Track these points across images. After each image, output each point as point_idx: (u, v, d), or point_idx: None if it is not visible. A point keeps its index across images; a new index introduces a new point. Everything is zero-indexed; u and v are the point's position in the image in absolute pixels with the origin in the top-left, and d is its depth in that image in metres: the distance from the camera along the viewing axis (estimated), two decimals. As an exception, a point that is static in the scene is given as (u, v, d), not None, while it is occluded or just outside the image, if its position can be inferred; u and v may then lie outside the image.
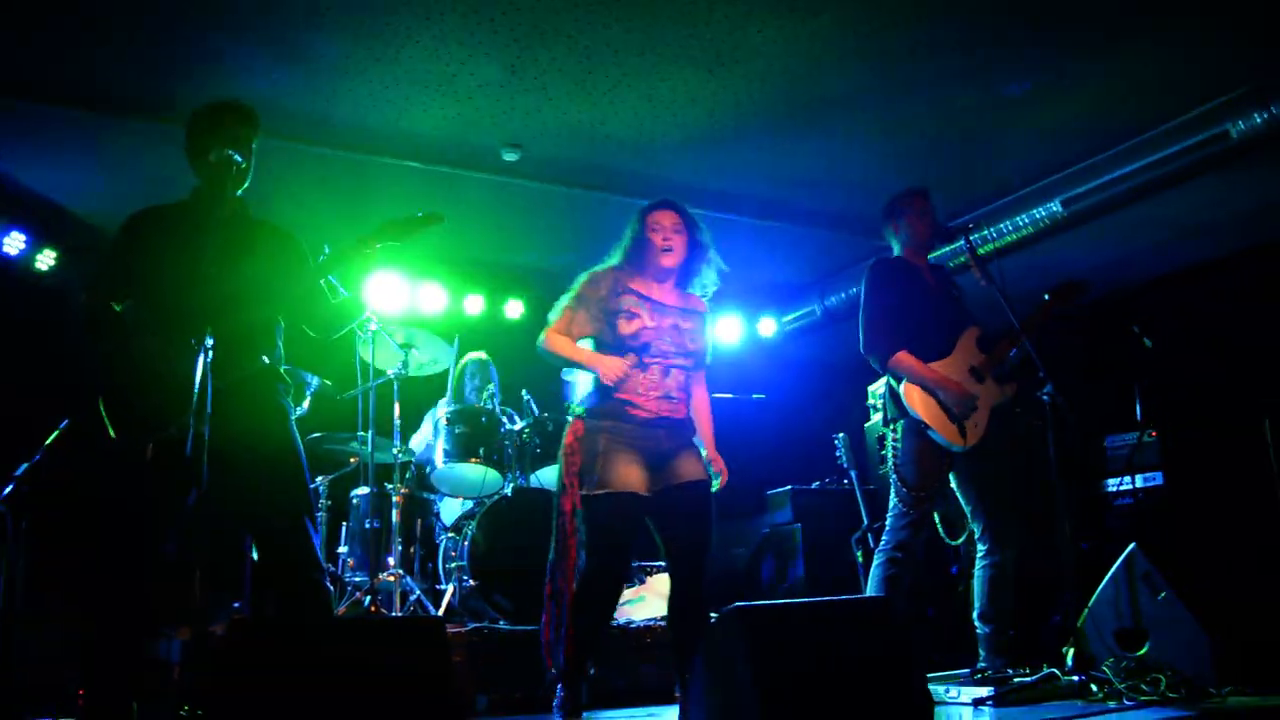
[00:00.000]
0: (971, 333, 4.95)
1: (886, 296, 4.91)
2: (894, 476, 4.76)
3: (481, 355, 6.98)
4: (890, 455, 4.82)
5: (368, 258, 3.79)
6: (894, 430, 4.82)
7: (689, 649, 4.07)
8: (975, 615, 4.81)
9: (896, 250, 5.15)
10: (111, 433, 3.54)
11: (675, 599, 4.18)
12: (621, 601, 5.92)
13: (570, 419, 4.18)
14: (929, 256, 5.18)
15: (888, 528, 4.76)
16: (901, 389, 4.76)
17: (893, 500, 4.78)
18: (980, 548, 4.81)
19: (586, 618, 4.00)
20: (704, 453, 4.26)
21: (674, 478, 4.09)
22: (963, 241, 5.07)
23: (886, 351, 4.80)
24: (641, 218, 4.30)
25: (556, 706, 3.99)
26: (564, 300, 4.20)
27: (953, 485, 4.90)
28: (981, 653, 4.74)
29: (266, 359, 3.82)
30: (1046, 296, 5.01)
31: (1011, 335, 4.89)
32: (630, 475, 4.00)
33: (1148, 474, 6.78)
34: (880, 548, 4.76)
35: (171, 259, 3.66)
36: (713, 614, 5.58)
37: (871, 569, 4.75)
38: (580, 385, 4.34)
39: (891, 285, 4.94)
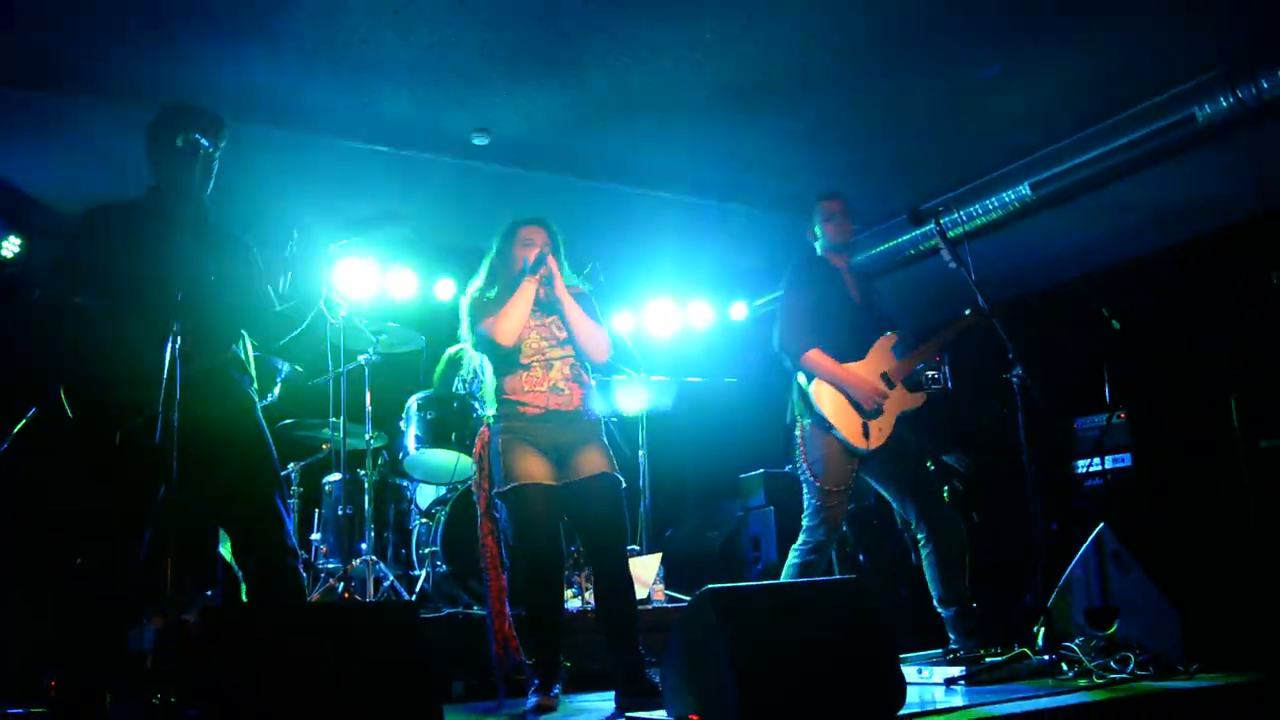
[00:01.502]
0: (887, 339, 4.99)
1: (804, 295, 4.94)
2: (805, 476, 4.79)
3: (463, 348, 6.92)
4: (799, 454, 4.86)
5: (328, 255, 3.85)
6: (800, 430, 4.85)
7: (618, 635, 4.16)
8: (935, 602, 4.86)
9: (819, 250, 5.16)
10: (72, 419, 3.52)
11: (599, 586, 4.27)
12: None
13: (480, 427, 4.41)
14: (855, 257, 5.22)
15: (803, 528, 4.79)
16: (810, 388, 4.79)
17: (805, 499, 4.82)
18: (919, 536, 4.86)
19: (536, 606, 4.16)
20: (606, 444, 4.36)
21: (577, 472, 4.22)
22: (933, 224, 5.08)
23: (799, 350, 4.84)
24: (511, 234, 4.52)
25: (530, 695, 4.07)
26: (481, 318, 4.33)
27: (873, 485, 4.98)
28: (952, 635, 4.78)
29: (232, 349, 3.87)
30: (967, 311, 5.05)
31: (925, 346, 4.98)
32: (531, 467, 4.15)
33: (1117, 455, 6.83)
34: (795, 547, 4.79)
35: (137, 254, 3.65)
36: (686, 597, 5.62)
37: (785, 570, 4.78)
38: (486, 392, 4.45)
39: (809, 284, 4.98)
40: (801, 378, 4.86)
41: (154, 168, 3.86)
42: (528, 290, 4.30)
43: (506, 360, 4.32)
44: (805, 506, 4.80)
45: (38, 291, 3.78)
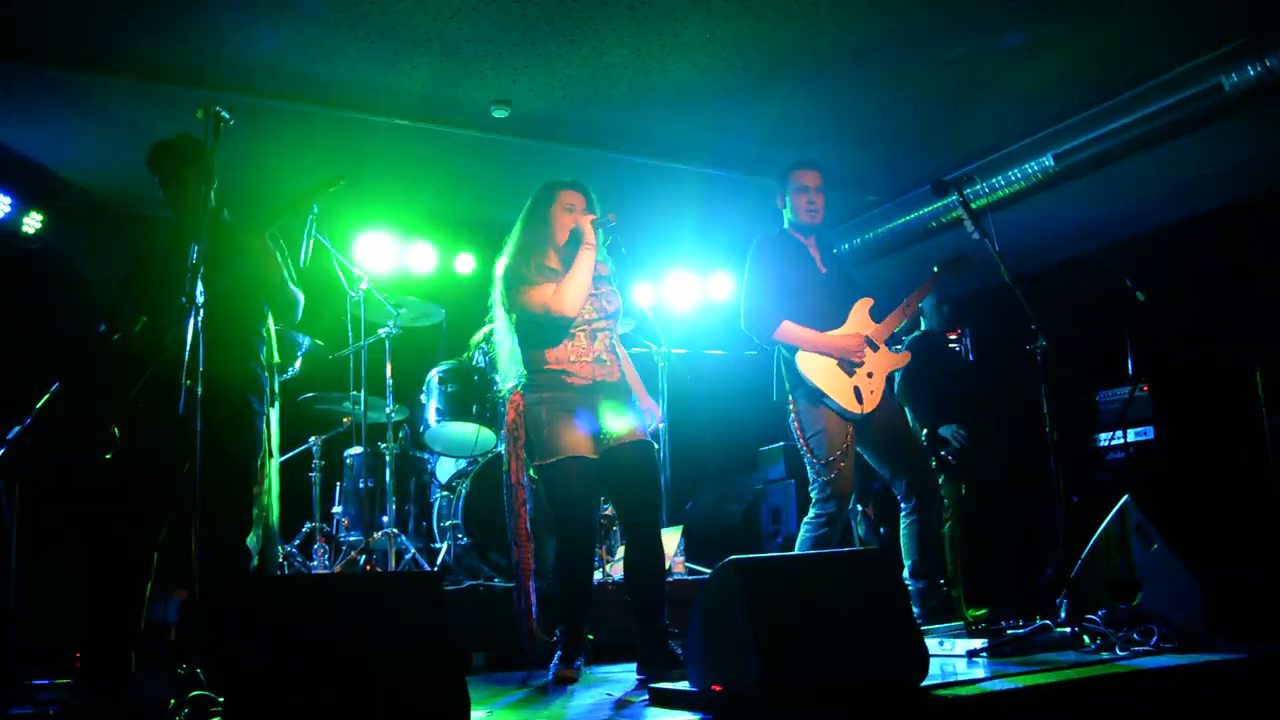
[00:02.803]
0: (863, 303, 4.96)
1: (769, 270, 4.89)
2: (803, 451, 4.77)
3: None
4: (795, 429, 4.83)
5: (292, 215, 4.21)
6: (793, 403, 4.83)
7: (646, 604, 4.16)
8: (907, 573, 4.87)
9: (786, 222, 5.10)
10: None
11: (630, 554, 4.25)
12: (617, 558, 5.97)
13: (508, 392, 4.29)
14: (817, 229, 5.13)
15: (812, 501, 4.77)
16: (797, 359, 4.75)
17: (810, 475, 4.79)
18: (904, 506, 4.88)
19: (570, 580, 4.13)
20: (639, 406, 4.36)
21: (617, 439, 4.19)
22: (955, 195, 5.04)
23: (768, 326, 4.79)
24: (550, 198, 4.36)
25: (553, 665, 4.06)
26: (537, 286, 4.19)
27: (864, 456, 4.96)
28: (916, 610, 4.75)
29: (253, 341, 4.12)
30: (935, 269, 5.06)
31: (901, 306, 4.98)
32: (577, 440, 4.11)
33: (1140, 428, 6.80)
34: (806, 521, 4.77)
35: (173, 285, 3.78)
36: (707, 570, 5.62)
37: (798, 544, 4.77)
38: (505, 356, 4.38)
39: (774, 260, 4.92)
40: (785, 352, 4.83)
41: (169, 197, 4.12)
42: (588, 259, 4.20)
43: (553, 329, 4.20)
44: (811, 481, 4.78)
45: (104, 325, 4.05)
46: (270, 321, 4.29)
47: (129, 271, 4.14)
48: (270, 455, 4.82)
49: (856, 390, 4.72)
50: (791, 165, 5.05)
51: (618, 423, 4.21)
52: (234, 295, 3.88)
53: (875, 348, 4.85)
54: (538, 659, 4.26)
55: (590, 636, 4.35)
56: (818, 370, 4.72)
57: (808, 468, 4.80)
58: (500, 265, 4.34)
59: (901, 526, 4.87)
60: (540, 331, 4.23)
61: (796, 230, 5.05)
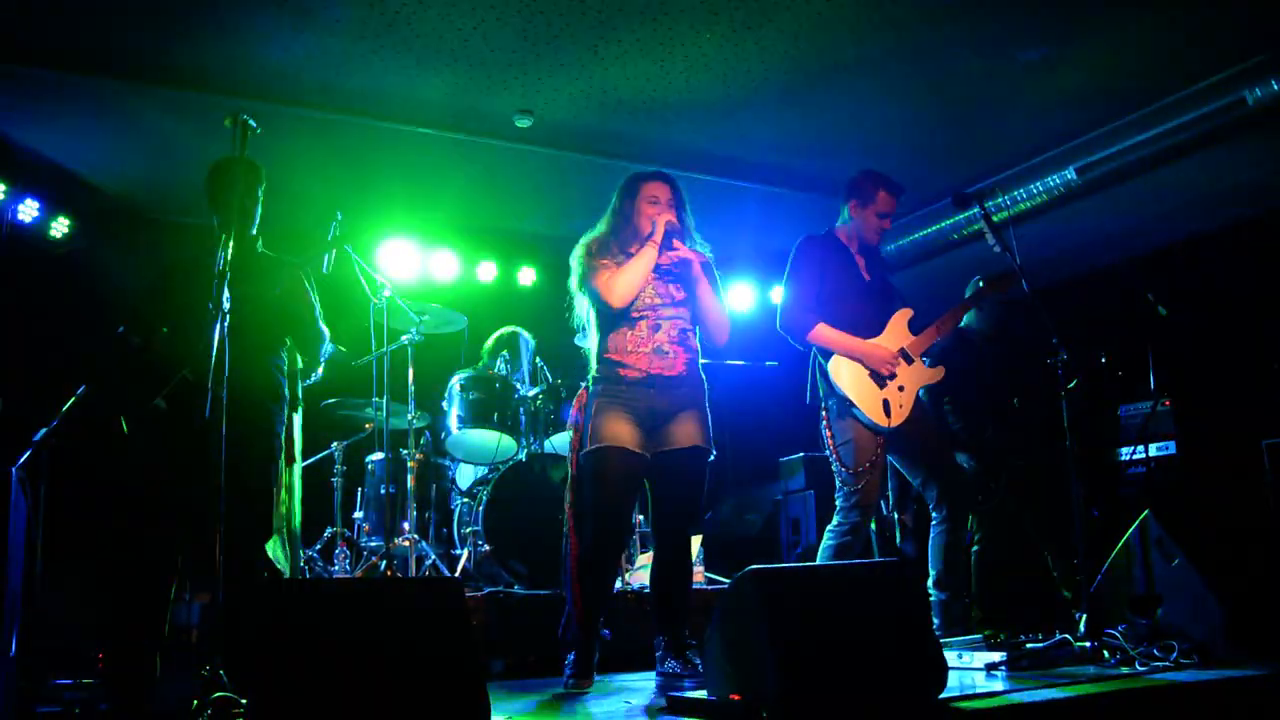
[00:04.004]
0: (903, 314, 4.92)
1: (811, 271, 4.85)
2: (832, 459, 4.75)
3: (513, 329, 6.91)
4: (826, 438, 4.81)
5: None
6: (825, 413, 4.81)
7: (668, 610, 4.16)
8: (930, 583, 4.85)
9: (841, 222, 5.05)
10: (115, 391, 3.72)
11: (659, 560, 4.24)
12: (637, 566, 5.97)
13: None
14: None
15: (836, 509, 4.74)
16: (830, 366, 4.73)
17: (836, 483, 4.77)
18: (935, 515, 4.84)
19: (591, 578, 4.09)
20: (706, 413, 4.29)
21: (670, 442, 4.15)
22: (977, 208, 5.03)
23: (804, 326, 4.76)
24: (635, 189, 4.35)
25: (567, 670, 4.05)
26: (596, 273, 4.20)
27: (896, 465, 4.94)
28: (936, 620, 4.75)
29: (273, 362, 4.19)
30: (980, 282, 5.01)
31: (941, 320, 4.92)
32: (620, 430, 4.06)
33: (1161, 443, 6.77)
34: (829, 529, 4.73)
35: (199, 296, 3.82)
36: (726, 579, 5.63)
37: (820, 552, 4.75)
38: (591, 346, 4.36)
39: (818, 261, 4.88)
40: (820, 357, 4.83)
41: (215, 209, 4.17)
42: (649, 255, 4.17)
43: (615, 316, 4.20)
44: (837, 490, 4.77)
45: (123, 327, 4.08)
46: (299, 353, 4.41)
47: (162, 278, 4.19)
48: (292, 460, 4.86)
49: (885, 403, 4.70)
50: (881, 182, 4.97)
51: (671, 422, 4.16)
52: (264, 325, 4.01)
53: (910, 360, 4.83)
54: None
55: (605, 631, 4.31)
56: (849, 380, 4.70)
57: (835, 475, 4.79)
58: (577, 250, 4.34)
59: (931, 536, 4.85)
60: (602, 317, 4.26)
61: (848, 236, 5.01)
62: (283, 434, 4.18)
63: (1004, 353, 5.95)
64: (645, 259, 4.17)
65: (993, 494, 5.52)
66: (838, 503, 4.75)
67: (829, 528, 4.76)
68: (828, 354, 4.76)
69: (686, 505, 4.22)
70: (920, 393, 4.91)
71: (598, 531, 4.07)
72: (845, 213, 5.04)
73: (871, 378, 4.72)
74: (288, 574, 4.40)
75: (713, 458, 4.27)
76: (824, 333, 4.75)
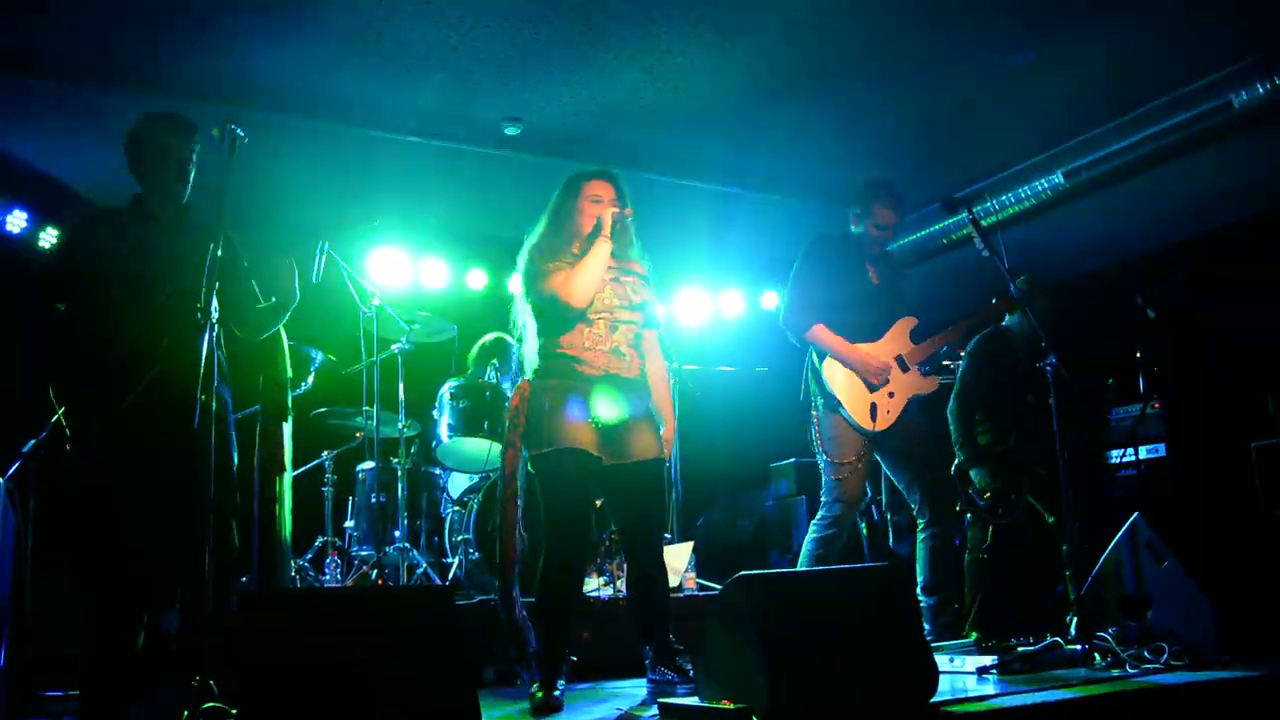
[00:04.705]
0: (906, 322, 4.94)
1: (817, 272, 4.89)
2: (818, 451, 4.78)
3: (499, 335, 6.90)
4: (814, 434, 4.84)
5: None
6: (815, 411, 4.84)
7: (650, 623, 4.09)
8: (919, 589, 4.85)
9: (853, 229, 5.06)
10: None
11: (632, 573, 4.15)
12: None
13: (519, 382, 4.14)
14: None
15: (821, 503, 4.79)
16: (823, 367, 4.77)
17: (822, 476, 4.81)
18: (920, 520, 4.85)
19: (553, 591, 3.90)
20: (658, 420, 4.16)
21: (628, 454, 3.99)
22: (965, 213, 5.05)
23: (803, 324, 4.80)
24: (577, 188, 4.19)
25: (531, 690, 3.77)
26: (549, 276, 4.01)
27: (884, 468, 4.97)
28: (926, 626, 4.75)
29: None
30: (995, 299, 5.03)
31: (946, 332, 4.94)
32: (578, 432, 3.89)
33: (1151, 446, 6.79)
34: (814, 523, 4.79)
35: (127, 256, 3.77)
36: (717, 585, 5.63)
37: (804, 544, 4.77)
38: (528, 349, 4.18)
39: (826, 262, 4.92)
40: (814, 357, 4.85)
41: (142, 175, 3.99)
42: (602, 250, 3.99)
43: (565, 317, 4.00)
44: (823, 483, 4.81)
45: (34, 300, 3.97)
46: (281, 334, 4.30)
47: (70, 268, 3.95)
48: (282, 470, 4.84)
49: (873, 406, 4.73)
50: (877, 194, 4.97)
51: (627, 431, 4.00)
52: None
53: (905, 369, 4.84)
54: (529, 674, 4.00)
55: (573, 658, 4.15)
56: (840, 381, 4.75)
57: (821, 467, 4.81)
58: (522, 253, 4.16)
59: (917, 542, 4.86)
60: (554, 319, 4.05)
61: (858, 242, 5.04)
62: (232, 433, 4.01)
63: (1039, 357, 5.83)
64: (599, 254, 3.99)
65: (1012, 507, 5.49)
66: (822, 497, 4.79)
67: (814, 520, 4.81)
68: (822, 354, 4.80)
69: (653, 515, 4.12)
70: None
71: (560, 538, 3.89)
72: (854, 228, 5.08)
73: (863, 380, 4.75)
74: (279, 583, 4.37)
75: (668, 465, 4.23)
76: (820, 334, 4.79)
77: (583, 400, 3.93)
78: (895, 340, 4.90)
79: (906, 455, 4.85)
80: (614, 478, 4.03)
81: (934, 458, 4.97)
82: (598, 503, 4.42)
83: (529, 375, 4.10)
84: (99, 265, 3.79)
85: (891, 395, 4.78)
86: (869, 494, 5.86)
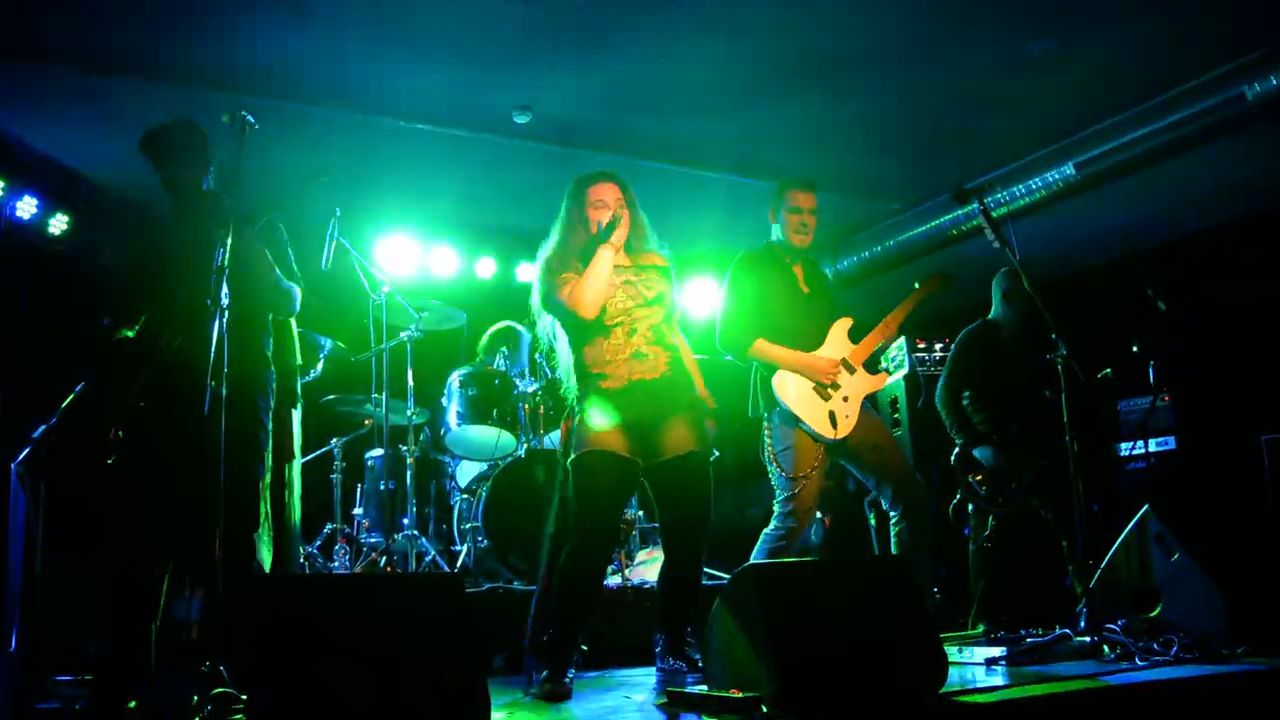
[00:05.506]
0: (842, 324, 4.87)
1: (748, 288, 4.80)
2: (771, 466, 4.71)
3: (509, 324, 6.91)
4: (766, 446, 4.76)
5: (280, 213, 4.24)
6: (767, 421, 4.76)
7: (672, 613, 4.12)
8: None
9: (773, 237, 4.98)
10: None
11: (669, 568, 4.18)
12: (637, 562, 5.98)
13: (567, 411, 4.16)
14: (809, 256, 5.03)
15: (775, 514, 4.70)
16: (774, 381, 4.68)
17: (775, 489, 4.73)
18: (893, 514, 4.74)
19: (573, 585, 3.94)
20: (696, 409, 4.16)
21: (664, 451, 3.99)
22: (976, 204, 5.03)
23: (742, 344, 4.72)
24: (581, 194, 4.17)
25: (539, 678, 3.84)
26: (559, 288, 4.01)
27: (849, 468, 4.91)
28: None
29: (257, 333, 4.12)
30: (916, 285, 4.97)
31: (880, 326, 4.86)
32: (608, 438, 3.90)
33: (1161, 438, 6.78)
34: (766, 532, 4.69)
35: (170, 258, 3.87)
36: (725, 575, 5.63)
37: (754, 554, 4.71)
38: (562, 362, 4.21)
39: (753, 277, 4.83)
40: (763, 370, 4.78)
41: (166, 176, 4.13)
42: (604, 257, 3.96)
43: (587, 328, 4.00)
44: (776, 495, 4.72)
45: (107, 320, 4.04)
46: (291, 321, 4.33)
47: (133, 266, 4.13)
48: (291, 457, 4.86)
49: (831, 415, 4.65)
50: (789, 182, 4.92)
51: (662, 429, 4.00)
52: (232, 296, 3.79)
53: (852, 370, 4.77)
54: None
55: (583, 647, 4.20)
56: (795, 395, 4.65)
57: (774, 482, 4.75)
58: (536, 266, 4.17)
59: (891, 535, 4.79)
60: (575, 331, 4.08)
61: (781, 248, 4.94)
62: (269, 424, 4.13)
63: (1034, 349, 5.78)
64: (602, 261, 3.96)
65: (1014, 494, 5.47)
66: (775, 508, 4.71)
67: (765, 531, 4.69)
68: (770, 368, 4.73)
69: (694, 513, 4.08)
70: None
71: (586, 535, 3.90)
72: (774, 227, 4.98)
73: (815, 390, 4.68)
74: (267, 569, 4.37)
75: (715, 456, 4.16)
76: (763, 348, 4.70)
77: (613, 415, 3.93)
78: (835, 344, 4.80)
79: (871, 454, 4.74)
80: (652, 477, 4.06)
81: (898, 451, 4.87)
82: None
83: (570, 404, 4.12)
84: (149, 271, 4.00)
85: (846, 399, 4.70)
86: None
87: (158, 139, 4.12)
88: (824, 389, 4.68)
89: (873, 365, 4.92)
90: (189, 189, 4.07)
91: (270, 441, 4.16)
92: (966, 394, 5.68)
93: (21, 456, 4.58)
